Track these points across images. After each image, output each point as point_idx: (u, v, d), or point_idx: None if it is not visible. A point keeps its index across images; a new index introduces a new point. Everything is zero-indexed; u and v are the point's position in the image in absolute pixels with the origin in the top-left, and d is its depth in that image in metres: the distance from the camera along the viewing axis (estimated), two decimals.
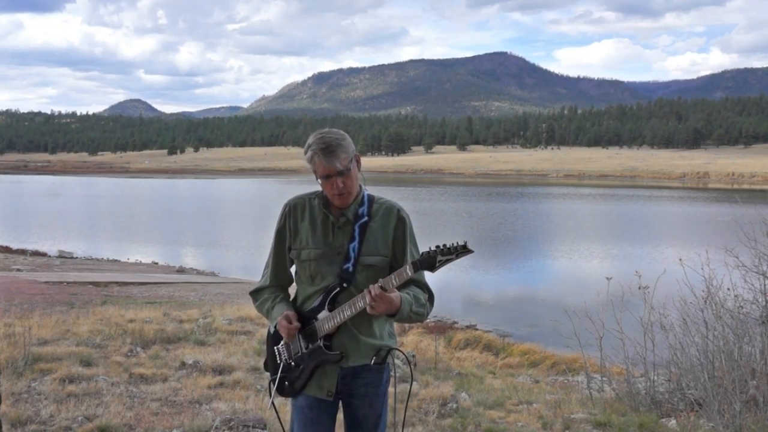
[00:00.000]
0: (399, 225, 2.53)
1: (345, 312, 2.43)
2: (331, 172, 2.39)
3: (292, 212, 2.57)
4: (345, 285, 2.48)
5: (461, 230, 32.64)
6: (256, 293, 2.67)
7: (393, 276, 2.34)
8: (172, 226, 36.06)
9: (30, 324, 7.33)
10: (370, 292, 2.31)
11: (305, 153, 2.44)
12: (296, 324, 2.49)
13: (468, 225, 35.07)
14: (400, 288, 2.45)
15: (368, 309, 2.34)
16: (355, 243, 2.48)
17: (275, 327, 2.55)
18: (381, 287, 2.31)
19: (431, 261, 2.29)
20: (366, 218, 2.50)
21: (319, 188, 2.56)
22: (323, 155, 2.38)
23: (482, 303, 17.05)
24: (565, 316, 5.87)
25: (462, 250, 2.27)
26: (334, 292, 2.49)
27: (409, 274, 2.32)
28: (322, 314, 2.50)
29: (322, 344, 2.50)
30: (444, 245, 2.30)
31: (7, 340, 6.42)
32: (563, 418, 5.00)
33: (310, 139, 2.44)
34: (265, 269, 2.67)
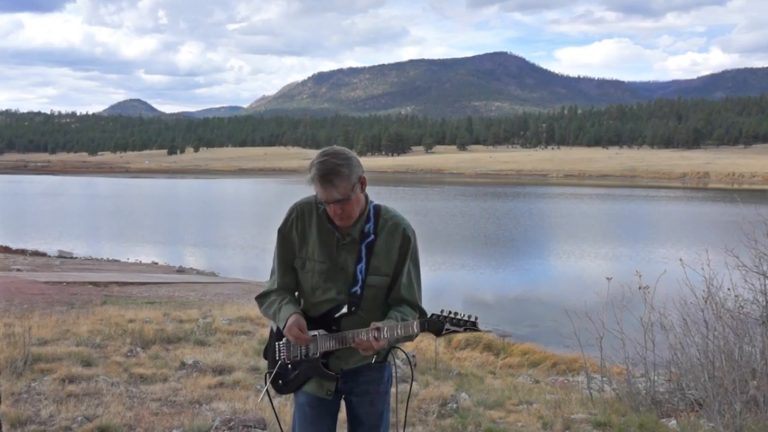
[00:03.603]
0: (404, 243, 2.49)
1: (348, 341, 2.41)
2: (329, 200, 2.34)
3: (300, 218, 2.51)
4: (353, 309, 2.46)
5: (459, 230, 32.65)
6: (262, 297, 2.63)
7: (399, 326, 2.33)
8: (172, 226, 36.05)
9: (30, 324, 7.32)
10: (374, 339, 2.31)
11: (309, 172, 2.37)
12: (307, 336, 2.47)
13: (467, 225, 35.08)
14: (392, 308, 2.47)
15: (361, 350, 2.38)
16: (362, 264, 2.45)
17: (283, 327, 2.52)
18: (375, 338, 2.30)
19: (439, 327, 2.29)
20: (372, 237, 2.46)
21: None
22: (320, 184, 2.32)
23: (482, 303, 17.05)
24: (565, 316, 5.86)
25: (471, 327, 2.28)
26: (341, 313, 2.47)
27: (416, 331, 2.31)
28: (324, 331, 2.48)
29: (320, 361, 2.49)
30: (455, 315, 2.29)
31: (7, 340, 6.42)
32: (563, 418, 5.00)
33: (315, 159, 2.36)
34: (271, 275, 2.61)
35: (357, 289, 2.45)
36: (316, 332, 2.49)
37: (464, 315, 2.28)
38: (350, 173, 2.34)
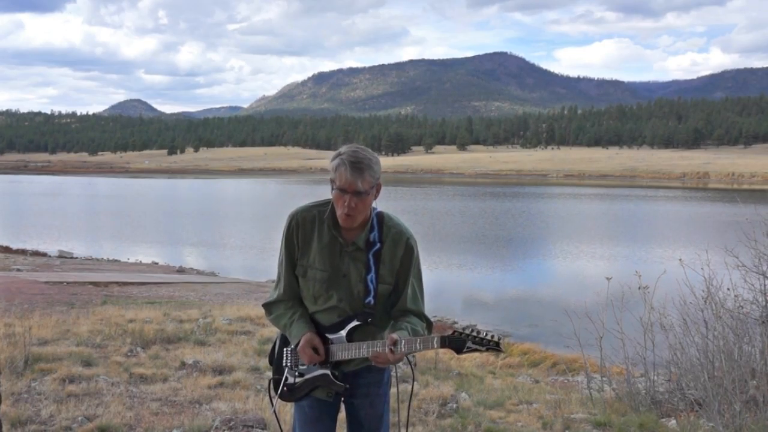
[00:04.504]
0: (406, 254, 2.46)
1: (362, 351, 2.39)
2: (350, 188, 2.30)
3: (302, 225, 2.47)
4: (369, 320, 2.43)
5: (459, 230, 32.64)
6: (270, 306, 2.59)
7: (418, 341, 2.29)
8: (172, 226, 36.05)
9: (30, 324, 7.32)
10: (391, 353, 2.28)
11: (333, 159, 2.34)
12: (322, 356, 2.45)
13: (466, 225, 35.07)
14: (397, 319, 2.45)
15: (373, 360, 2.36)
16: (372, 274, 2.42)
17: (296, 346, 2.49)
18: (391, 350, 2.27)
19: (460, 344, 2.25)
20: (379, 245, 2.43)
21: (324, 198, 2.49)
22: (351, 169, 2.29)
23: (482, 303, 17.05)
24: (565, 316, 5.86)
25: (493, 347, 2.24)
26: (355, 324, 2.44)
27: (435, 346, 2.28)
28: (338, 339, 2.46)
29: (330, 372, 2.47)
30: (477, 333, 2.25)
31: (7, 340, 6.42)
32: (563, 418, 5.00)
33: (343, 149, 2.35)
34: (277, 281, 2.58)
35: (371, 299, 2.42)
36: (331, 339, 2.46)
37: (487, 334, 2.24)
38: (377, 171, 2.35)
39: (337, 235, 2.43)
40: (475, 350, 2.24)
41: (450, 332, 2.28)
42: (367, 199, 2.35)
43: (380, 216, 2.48)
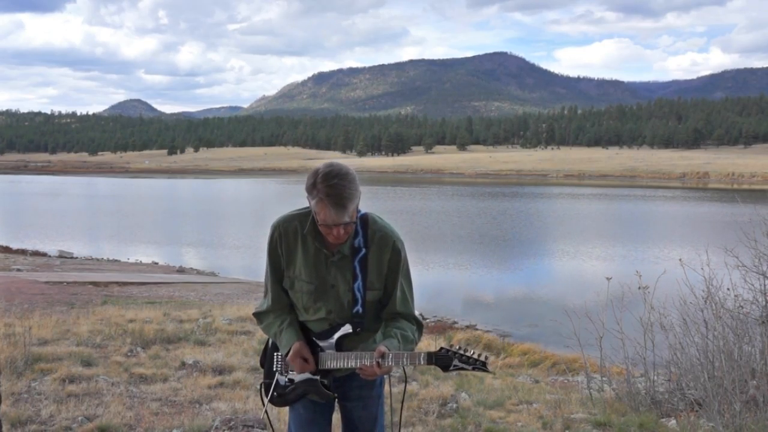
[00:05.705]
0: (393, 257, 2.41)
1: (351, 362, 2.37)
2: (337, 223, 2.24)
3: (284, 236, 2.43)
4: (359, 330, 2.42)
5: (459, 230, 32.64)
6: (260, 315, 2.57)
7: (406, 356, 2.28)
8: (172, 226, 36.05)
9: (30, 324, 7.33)
10: (378, 366, 2.27)
11: (311, 190, 2.25)
12: (312, 366, 2.43)
13: (466, 225, 35.07)
14: (388, 323, 2.43)
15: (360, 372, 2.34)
16: (359, 282, 2.38)
17: (285, 354, 2.47)
18: (378, 363, 2.26)
19: (447, 361, 2.25)
20: (364, 251, 2.38)
21: (306, 205, 2.41)
22: (333, 208, 2.20)
23: (482, 303, 17.05)
24: (565, 316, 5.86)
25: (480, 366, 2.23)
26: (345, 333, 2.42)
27: (422, 363, 2.26)
28: (328, 346, 2.45)
29: (320, 380, 2.46)
30: (465, 352, 2.24)
31: (7, 340, 6.42)
32: (563, 418, 5.00)
33: (320, 181, 2.22)
34: (265, 292, 2.56)
35: (359, 308, 2.39)
36: (321, 346, 2.46)
37: (474, 353, 2.23)
38: (358, 195, 2.28)
39: (321, 246, 2.39)
40: (462, 369, 2.23)
41: (437, 349, 2.27)
42: (353, 220, 2.31)
43: (364, 219, 2.42)
